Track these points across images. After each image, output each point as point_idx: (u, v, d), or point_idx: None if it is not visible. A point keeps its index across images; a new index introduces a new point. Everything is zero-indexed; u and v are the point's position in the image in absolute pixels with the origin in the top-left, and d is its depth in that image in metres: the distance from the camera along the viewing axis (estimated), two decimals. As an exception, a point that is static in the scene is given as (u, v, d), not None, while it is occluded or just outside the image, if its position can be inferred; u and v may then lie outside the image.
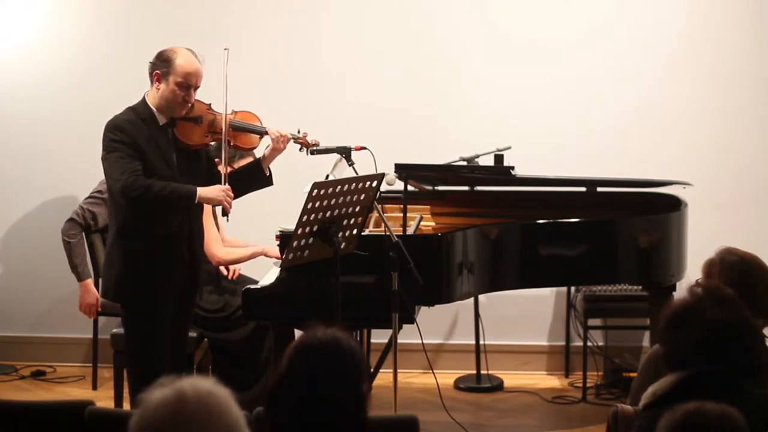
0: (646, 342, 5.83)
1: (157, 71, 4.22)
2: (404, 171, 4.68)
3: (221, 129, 4.27)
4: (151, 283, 4.23)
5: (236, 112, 4.37)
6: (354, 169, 4.31)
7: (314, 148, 4.42)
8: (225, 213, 4.23)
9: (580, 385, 5.62)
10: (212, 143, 4.43)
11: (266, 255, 5.13)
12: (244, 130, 4.36)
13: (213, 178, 4.35)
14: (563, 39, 5.90)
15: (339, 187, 3.95)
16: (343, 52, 5.97)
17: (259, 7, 5.96)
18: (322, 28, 5.97)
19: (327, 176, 4.41)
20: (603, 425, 3.25)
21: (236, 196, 4.61)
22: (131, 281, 4.25)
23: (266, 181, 4.44)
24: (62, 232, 5.39)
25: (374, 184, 4.09)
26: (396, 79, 5.94)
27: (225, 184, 4.22)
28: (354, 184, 4.00)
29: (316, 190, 3.89)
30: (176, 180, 4.22)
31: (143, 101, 4.27)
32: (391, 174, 4.68)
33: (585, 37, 5.90)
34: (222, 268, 5.20)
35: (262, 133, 4.36)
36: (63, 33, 6.01)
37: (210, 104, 4.35)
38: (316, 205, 3.91)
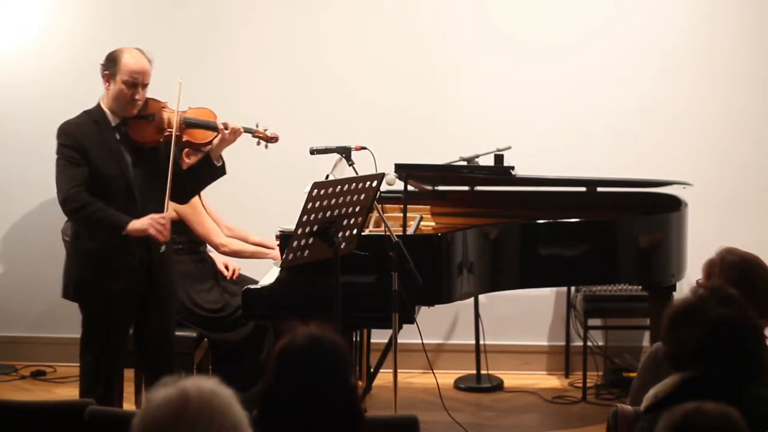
0: (646, 342, 5.83)
1: (106, 72, 4.31)
2: (404, 171, 4.67)
3: (173, 126, 4.29)
4: (102, 284, 4.31)
5: (191, 109, 4.41)
6: (354, 169, 4.32)
7: (314, 147, 4.43)
8: (158, 243, 4.26)
9: (580, 385, 5.61)
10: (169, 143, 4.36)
11: (267, 256, 5.14)
12: (196, 125, 4.40)
13: (176, 176, 4.32)
14: (564, 39, 5.89)
15: (339, 187, 3.95)
16: (344, 52, 5.96)
17: (259, 7, 5.95)
18: (322, 27, 5.97)
19: (327, 176, 4.40)
20: (603, 425, 3.25)
21: (194, 192, 4.66)
22: (86, 281, 4.36)
23: (219, 171, 4.45)
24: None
25: (374, 184, 4.09)
26: (396, 79, 5.94)
27: (165, 211, 4.23)
28: (354, 184, 4.00)
29: (316, 190, 3.89)
30: (129, 179, 4.27)
31: (97, 104, 4.35)
32: (391, 174, 4.67)
33: (585, 38, 5.89)
34: (222, 268, 5.21)
35: (215, 127, 4.38)
36: (63, 33, 6.01)
37: (166, 103, 4.39)
38: (316, 205, 3.91)
